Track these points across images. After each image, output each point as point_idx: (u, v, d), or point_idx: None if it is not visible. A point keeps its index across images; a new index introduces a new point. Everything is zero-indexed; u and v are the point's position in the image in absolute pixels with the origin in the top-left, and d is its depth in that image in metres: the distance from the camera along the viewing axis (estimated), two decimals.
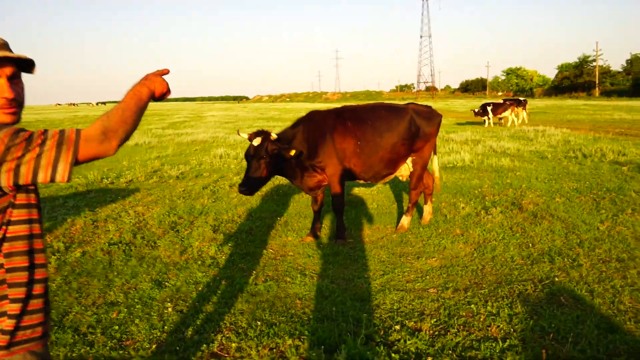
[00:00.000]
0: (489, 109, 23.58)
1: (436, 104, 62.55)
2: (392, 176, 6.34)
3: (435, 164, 6.85)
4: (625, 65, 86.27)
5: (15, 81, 1.77)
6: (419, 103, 6.57)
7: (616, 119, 26.27)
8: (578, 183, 8.84)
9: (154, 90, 1.92)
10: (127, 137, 1.76)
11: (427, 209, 6.68)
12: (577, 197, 7.74)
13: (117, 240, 6.09)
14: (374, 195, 8.46)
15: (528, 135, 17.54)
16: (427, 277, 4.75)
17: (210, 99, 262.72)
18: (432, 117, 6.30)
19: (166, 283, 4.75)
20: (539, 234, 5.89)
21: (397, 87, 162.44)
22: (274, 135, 5.49)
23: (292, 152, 5.42)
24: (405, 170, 6.35)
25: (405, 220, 6.35)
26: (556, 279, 4.55)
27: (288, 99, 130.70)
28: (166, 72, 2.01)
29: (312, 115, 6.06)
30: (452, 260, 5.16)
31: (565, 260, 5.03)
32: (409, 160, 6.25)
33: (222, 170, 11.69)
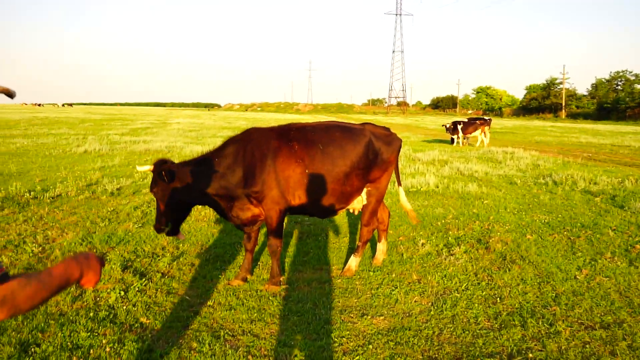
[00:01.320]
0: (459, 127, 23.00)
1: (407, 120, 62.43)
2: (344, 210, 5.40)
3: (402, 196, 5.93)
4: (591, 89, 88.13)
5: None
6: (377, 124, 5.63)
7: (583, 143, 26.08)
8: (550, 216, 8.06)
9: (83, 277, 1.66)
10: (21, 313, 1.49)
11: (381, 247, 5.73)
12: (550, 234, 6.93)
13: None
14: (321, 226, 7.49)
15: (497, 157, 16.91)
16: (370, 346, 3.79)
17: (181, 105, 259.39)
18: (392, 141, 5.39)
19: (34, 348, 3.67)
20: (508, 284, 5.02)
21: (369, 100, 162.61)
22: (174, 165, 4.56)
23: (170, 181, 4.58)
24: (358, 202, 5.40)
25: (354, 262, 5.40)
26: (530, 355, 3.64)
27: (259, 109, 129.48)
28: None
29: (251, 133, 5.06)
30: (404, 320, 4.21)
31: (540, 324, 4.14)
32: (364, 191, 5.32)
33: None
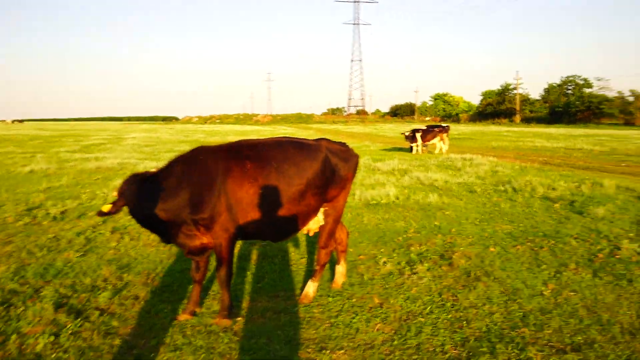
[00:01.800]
0: (418, 135, 23.02)
1: (366, 128, 62.70)
2: (298, 233, 5.04)
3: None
4: (543, 93, 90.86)
5: None
6: (332, 140, 5.27)
7: (538, 147, 26.58)
8: (512, 225, 7.92)
9: None
10: None
11: (340, 269, 5.40)
12: (513, 245, 6.75)
13: None
14: (278, 246, 7.12)
15: (455, 165, 16.90)
16: None
17: (138, 118, 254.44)
18: (349, 157, 5.07)
19: None
20: (474, 304, 4.76)
21: (328, 110, 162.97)
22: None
23: (105, 208, 4.24)
24: (314, 223, 5.06)
25: (311, 288, 5.04)
26: None
27: (218, 121, 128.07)
28: None
29: (198, 152, 4.62)
30: (366, 353, 3.88)
31: (510, 349, 3.88)
32: (320, 211, 4.98)
33: None
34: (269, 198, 4.46)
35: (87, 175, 15.48)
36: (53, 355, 3.91)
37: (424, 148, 23.50)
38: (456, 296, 4.97)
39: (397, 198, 10.35)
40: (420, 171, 14.93)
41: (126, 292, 5.25)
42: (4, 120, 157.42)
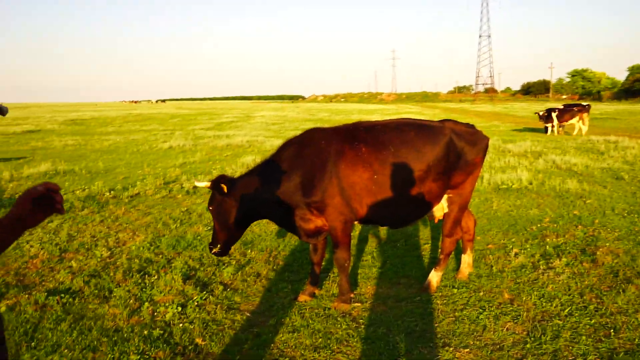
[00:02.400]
0: (554, 114, 21.26)
1: (495, 107, 59.52)
2: (421, 218, 4.76)
3: None
4: None
5: None
6: (459, 121, 4.87)
7: None
8: None
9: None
10: None
11: (467, 259, 5.04)
12: None
13: (66, 287, 4.84)
14: (401, 231, 6.87)
15: (598, 148, 15.33)
16: None
17: (266, 97, 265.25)
18: (478, 140, 4.63)
19: None
20: (623, 310, 4.18)
21: (455, 88, 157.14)
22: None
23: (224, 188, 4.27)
24: (438, 210, 4.75)
25: (435, 277, 4.75)
26: None
27: (343, 99, 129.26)
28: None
29: (311, 134, 4.51)
30: (493, 356, 3.55)
31: None
32: (444, 198, 4.66)
33: None
34: (385, 184, 4.23)
35: (218, 152, 16.31)
36: (180, 325, 4.07)
37: (561, 129, 21.67)
38: (601, 298, 4.40)
39: (530, 183, 9.57)
40: (557, 154, 13.74)
41: (249, 268, 5.35)
42: (150, 100, 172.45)
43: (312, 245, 4.65)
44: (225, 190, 4.26)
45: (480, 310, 4.25)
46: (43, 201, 1.75)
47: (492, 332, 3.88)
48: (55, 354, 3.64)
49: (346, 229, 4.30)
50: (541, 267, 5.19)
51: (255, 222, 7.13)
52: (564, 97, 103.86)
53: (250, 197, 4.34)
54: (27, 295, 4.61)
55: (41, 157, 15.35)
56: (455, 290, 4.69)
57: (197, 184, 4.60)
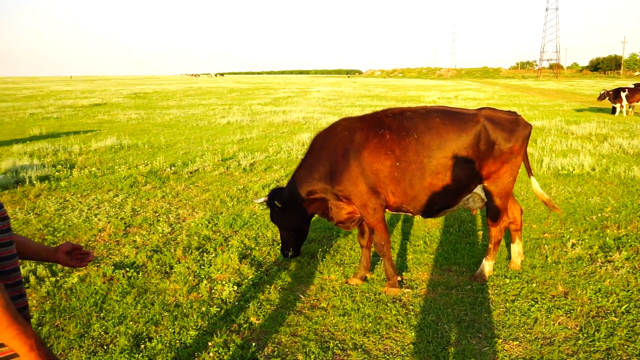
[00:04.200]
0: (623, 94, 20.19)
1: (560, 85, 57.05)
2: (454, 209, 4.69)
3: (535, 186, 5.07)
4: None
5: None
6: (498, 108, 4.71)
7: None
8: None
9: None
10: None
11: (516, 248, 4.97)
12: None
13: (130, 261, 5.14)
14: (454, 216, 6.82)
15: None
16: None
17: (323, 72, 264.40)
18: (516, 128, 4.47)
19: (147, 343, 3.65)
20: None
21: (517, 64, 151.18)
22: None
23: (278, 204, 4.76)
24: (474, 201, 4.68)
25: (487, 267, 4.73)
26: None
27: (400, 74, 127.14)
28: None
29: (336, 126, 4.59)
30: (544, 350, 3.54)
31: None
32: (479, 189, 4.59)
33: (296, 162, 10.49)
34: (408, 171, 4.24)
35: (274, 128, 16.54)
36: (236, 303, 4.26)
37: (630, 110, 20.58)
38: None
39: (593, 169, 9.23)
40: (624, 137, 13.11)
41: (302, 249, 5.49)
42: (209, 73, 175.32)
43: (359, 230, 4.75)
44: (279, 204, 4.72)
45: (532, 302, 4.22)
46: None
47: (543, 326, 3.85)
48: (121, 325, 3.91)
49: (376, 215, 4.34)
50: (599, 259, 5.06)
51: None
52: (637, 74, 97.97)
53: (299, 199, 4.64)
54: (96, 268, 4.93)
55: (107, 130, 16.07)
56: (507, 281, 4.65)
57: (256, 200, 4.99)
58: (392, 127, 4.30)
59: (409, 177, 4.24)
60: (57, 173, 9.20)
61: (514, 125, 4.44)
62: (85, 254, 2.33)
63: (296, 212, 4.71)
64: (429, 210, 4.46)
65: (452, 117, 4.37)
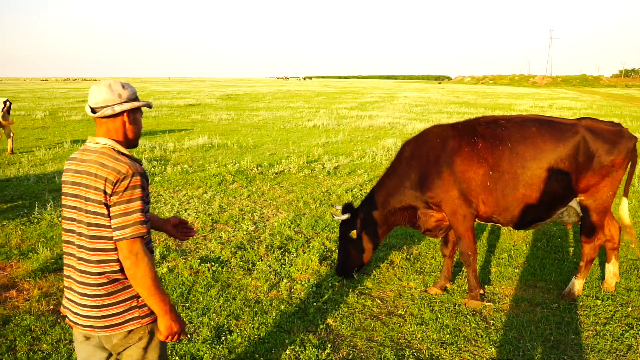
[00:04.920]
0: None
1: None
2: (547, 222, 4.48)
3: (623, 206, 4.71)
4: None
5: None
6: (600, 119, 4.47)
7: None
8: None
9: (167, 324, 2.12)
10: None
11: (611, 269, 4.65)
12: None
13: (216, 256, 5.37)
14: (543, 230, 6.50)
15: None
16: None
17: (411, 77, 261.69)
18: (619, 140, 4.22)
19: (227, 336, 3.80)
20: None
21: (620, 71, 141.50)
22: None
23: (353, 234, 4.69)
24: (569, 215, 4.44)
25: (577, 286, 4.47)
26: None
27: (491, 81, 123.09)
28: None
29: (428, 133, 4.55)
30: None
31: None
32: (575, 202, 4.35)
33: (380, 167, 10.50)
34: (501, 180, 4.14)
35: (360, 133, 16.59)
36: (314, 304, 4.33)
37: None
38: None
39: None
40: None
41: (382, 254, 5.48)
42: (297, 77, 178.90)
43: (442, 239, 4.67)
44: (360, 224, 4.75)
45: (627, 327, 3.94)
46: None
47: (638, 354, 3.59)
48: (204, 317, 4.10)
49: (466, 223, 4.24)
50: None
51: None
52: None
53: (388, 207, 4.65)
54: (183, 260, 5.18)
55: (199, 129, 16.84)
56: (598, 302, 4.38)
57: (336, 217, 4.86)
58: (486, 135, 4.22)
59: (501, 186, 4.14)
60: (152, 169, 9.78)
61: (617, 137, 4.21)
62: (189, 229, 2.64)
63: (379, 223, 4.72)
64: (520, 222, 4.32)
65: (549, 127, 4.22)
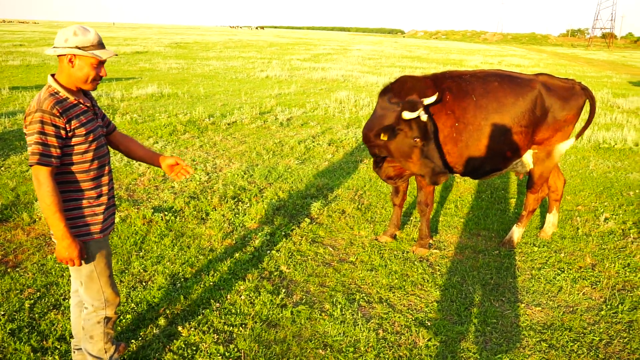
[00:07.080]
0: None
1: (612, 56, 54.76)
2: (502, 172, 4.72)
3: (564, 144, 4.87)
4: None
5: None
6: (555, 75, 4.66)
7: None
8: None
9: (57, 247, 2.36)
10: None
11: (551, 219, 4.97)
12: None
13: (169, 205, 5.35)
14: (487, 183, 6.80)
15: None
16: (517, 344, 3.30)
17: (364, 30, 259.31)
18: (572, 96, 4.45)
19: (182, 283, 3.87)
20: None
21: (567, 31, 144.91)
22: None
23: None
24: (522, 166, 4.69)
25: (516, 233, 4.76)
26: None
27: (444, 37, 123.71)
28: None
29: (404, 82, 4.49)
30: (565, 317, 3.60)
31: None
32: (529, 154, 4.58)
33: (332, 119, 10.56)
34: (465, 132, 4.29)
35: (312, 85, 16.50)
36: (268, 252, 4.43)
37: None
38: None
39: (637, 144, 8.98)
40: None
41: (334, 204, 5.61)
42: (249, 26, 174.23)
43: (394, 188, 4.80)
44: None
45: (559, 271, 4.26)
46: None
47: (567, 295, 3.90)
48: (159, 265, 4.13)
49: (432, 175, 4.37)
50: (632, 235, 5.02)
51: (345, 160, 7.36)
52: None
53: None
54: (136, 210, 5.15)
55: (148, 78, 16.31)
56: (535, 249, 4.69)
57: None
58: (452, 88, 4.32)
59: (465, 138, 4.28)
60: None
61: (569, 93, 4.42)
62: (185, 171, 2.79)
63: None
64: (480, 172, 4.51)
65: (509, 82, 4.38)
